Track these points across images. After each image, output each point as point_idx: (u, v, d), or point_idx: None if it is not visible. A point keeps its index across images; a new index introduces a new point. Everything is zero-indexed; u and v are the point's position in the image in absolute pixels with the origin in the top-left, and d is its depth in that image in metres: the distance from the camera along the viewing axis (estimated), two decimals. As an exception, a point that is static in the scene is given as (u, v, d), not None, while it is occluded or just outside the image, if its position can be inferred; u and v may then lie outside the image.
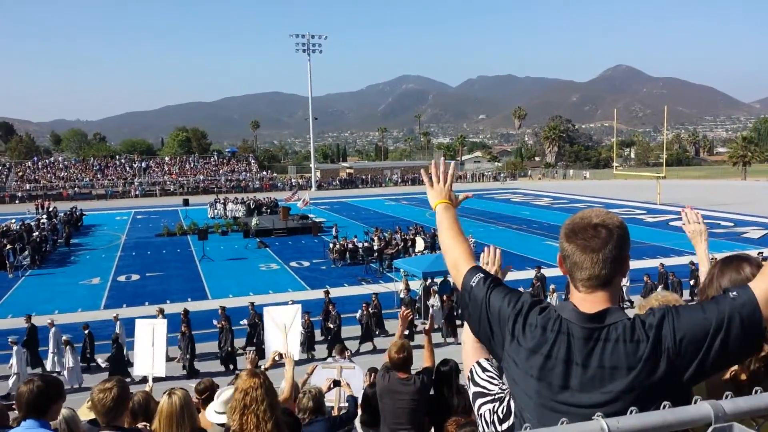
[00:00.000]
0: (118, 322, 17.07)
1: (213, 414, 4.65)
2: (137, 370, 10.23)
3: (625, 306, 20.22)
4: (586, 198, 58.37)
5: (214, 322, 17.80)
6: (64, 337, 16.14)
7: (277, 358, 6.81)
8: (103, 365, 16.67)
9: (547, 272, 22.53)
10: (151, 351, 10.29)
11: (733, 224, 39.16)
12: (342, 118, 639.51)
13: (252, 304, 18.89)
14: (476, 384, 2.29)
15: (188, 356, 16.50)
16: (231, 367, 16.62)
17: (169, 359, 15.94)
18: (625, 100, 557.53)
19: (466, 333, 2.49)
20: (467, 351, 2.47)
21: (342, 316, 18.62)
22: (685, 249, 28.86)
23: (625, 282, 19.25)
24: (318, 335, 18.34)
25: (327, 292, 20.13)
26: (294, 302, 17.30)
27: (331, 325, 17.96)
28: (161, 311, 17.50)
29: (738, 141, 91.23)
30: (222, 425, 4.50)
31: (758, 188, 66.47)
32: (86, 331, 17.26)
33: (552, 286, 20.18)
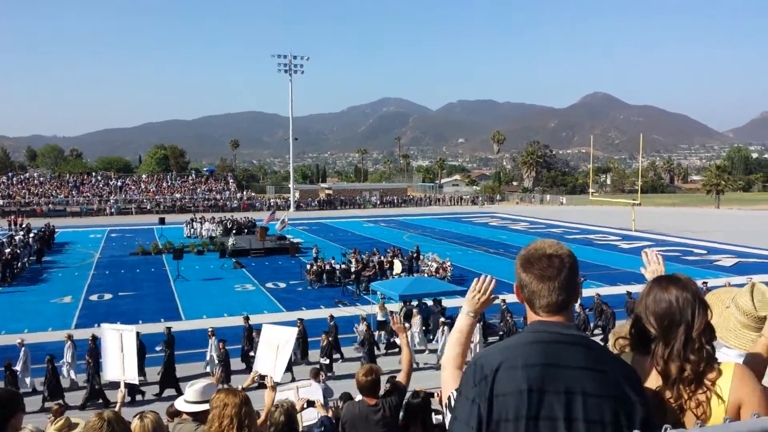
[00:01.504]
0: (23, 348, 16.28)
1: (182, 403, 4.59)
2: (108, 375, 9.97)
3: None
4: (562, 223, 58.90)
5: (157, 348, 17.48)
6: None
7: (257, 378, 6.72)
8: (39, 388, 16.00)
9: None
10: (120, 356, 10.06)
11: (706, 252, 39.66)
12: (322, 139, 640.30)
13: (168, 329, 18.06)
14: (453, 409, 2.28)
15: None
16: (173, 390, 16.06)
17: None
18: (602, 126, 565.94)
19: (446, 358, 2.56)
20: (446, 377, 2.50)
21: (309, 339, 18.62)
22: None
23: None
24: (235, 364, 17.68)
25: (246, 318, 19.37)
26: (302, 321, 17.44)
27: (252, 354, 17.18)
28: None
29: (712, 169, 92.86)
30: (192, 414, 4.46)
31: (731, 216, 67.64)
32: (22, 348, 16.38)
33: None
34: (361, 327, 19.06)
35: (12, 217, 57.03)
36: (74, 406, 15.13)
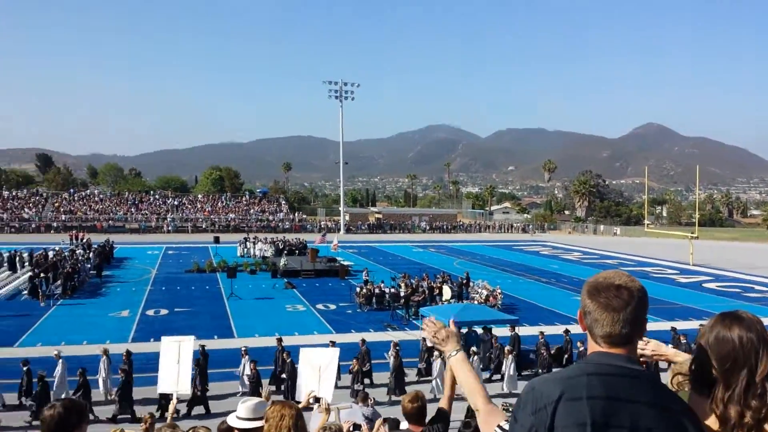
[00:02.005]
0: (60, 360, 16.52)
1: (235, 420, 4.64)
2: (161, 387, 10.20)
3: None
4: (617, 254, 57.68)
5: None
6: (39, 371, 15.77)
7: (311, 401, 6.81)
8: (27, 404, 15.94)
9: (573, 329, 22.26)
10: (176, 368, 10.28)
11: (767, 289, 38.18)
12: (372, 164, 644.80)
13: (245, 349, 18.59)
14: None
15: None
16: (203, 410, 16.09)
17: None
18: (656, 157, 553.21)
19: (471, 399, 2.55)
20: (484, 415, 2.47)
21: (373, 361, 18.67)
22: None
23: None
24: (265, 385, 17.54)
25: (279, 340, 19.31)
26: (333, 344, 17.40)
27: (284, 376, 17.30)
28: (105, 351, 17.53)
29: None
30: (243, 430, 4.51)
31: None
32: (25, 368, 16.40)
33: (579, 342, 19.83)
34: (391, 352, 18.90)
35: (73, 232, 59.18)
36: (104, 420, 15.44)
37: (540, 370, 19.19)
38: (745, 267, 48.21)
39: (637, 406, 1.82)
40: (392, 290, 30.82)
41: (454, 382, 5.82)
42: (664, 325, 24.94)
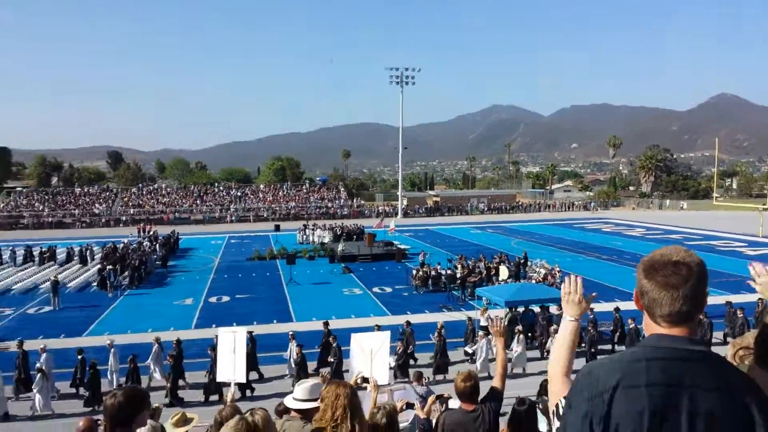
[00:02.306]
0: (44, 354, 16.22)
1: (291, 401, 4.75)
2: (220, 377, 10.83)
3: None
4: (682, 229, 55.82)
5: (208, 350, 16.84)
6: (37, 365, 15.90)
7: (359, 381, 6.96)
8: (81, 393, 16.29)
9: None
10: (232, 358, 10.76)
11: None
12: (431, 148, 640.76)
13: (292, 333, 18.78)
14: (561, 419, 2.15)
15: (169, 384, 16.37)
16: (217, 397, 15.76)
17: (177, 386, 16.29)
18: (728, 129, 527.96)
19: (553, 366, 2.45)
20: (556, 385, 2.41)
21: (417, 342, 18.78)
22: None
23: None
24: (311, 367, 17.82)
25: (326, 324, 19.29)
26: (380, 328, 17.58)
27: (332, 359, 17.33)
28: (157, 339, 17.96)
29: None
30: (300, 411, 4.61)
31: None
32: (79, 357, 16.83)
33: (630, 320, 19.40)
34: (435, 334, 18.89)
35: (141, 224, 61.50)
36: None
37: (585, 347, 18.93)
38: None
39: (698, 390, 1.77)
40: (448, 272, 30.79)
41: (505, 363, 5.80)
42: (737, 298, 23.93)
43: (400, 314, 24.93)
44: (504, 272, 31.37)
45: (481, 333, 18.90)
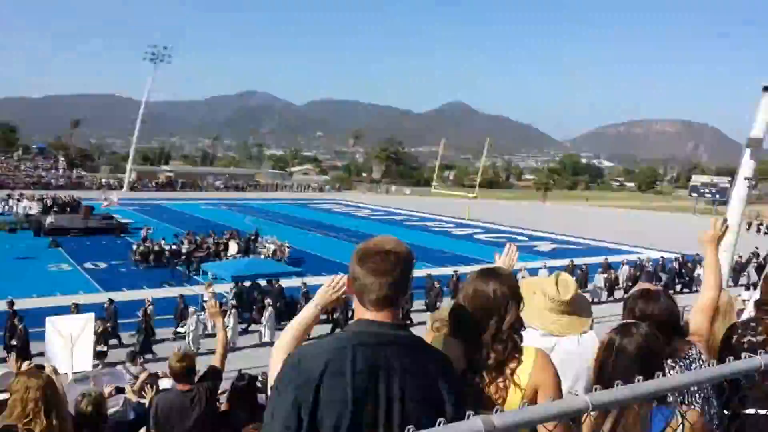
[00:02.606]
0: None
1: None
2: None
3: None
4: (403, 211, 61.13)
5: None
6: None
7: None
8: None
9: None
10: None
11: (527, 238, 42.89)
12: (179, 125, 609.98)
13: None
14: (268, 404, 2.12)
15: None
16: None
17: None
18: (456, 132, 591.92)
19: (280, 342, 2.43)
20: (276, 362, 2.30)
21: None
22: (485, 258, 30.83)
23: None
24: None
25: (11, 303, 17.08)
26: (78, 308, 15.87)
27: (15, 342, 15.42)
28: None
29: (544, 171, 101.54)
30: None
31: (553, 210, 74.09)
32: None
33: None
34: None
35: None
36: None
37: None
38: (512, 221, 53.42)
39: (395, 374, 1.84)
40: (173, 247, 29.52)
41: (225, 341, 5.48)
42: (444, 271, 26.61)
43: (115, 290, 23.11)
44: (233, 248, 31.20)
45: (192, 309, 18.30)
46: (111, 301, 18.41)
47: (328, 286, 2.58)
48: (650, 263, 29.63)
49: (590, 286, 25.46)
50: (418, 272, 25.25)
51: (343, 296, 2.60)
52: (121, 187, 72.38)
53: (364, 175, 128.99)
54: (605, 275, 26.22)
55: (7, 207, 45.15)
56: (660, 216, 68.56)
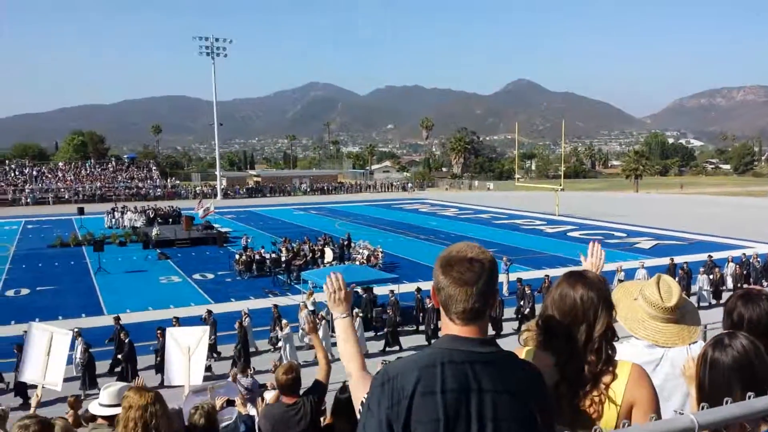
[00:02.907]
0: None
1: (97, 407, 4.48)
2: (26, 375, 9.21)
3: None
4: (489, 208, 60.05)
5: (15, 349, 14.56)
6: None
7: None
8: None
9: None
10: (45, 359, 9.44)
11: (626, 235, 41.03)
12: (249, 125, 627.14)
13: (77, 330, 16.55)
14: (360, 421, 2.20)
15: None
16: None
17: None
18: (527, 113, 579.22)
19: (346, 364, 2.49)
20: (355, 381, 2.46)
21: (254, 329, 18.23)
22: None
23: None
24: (101, 367, 16.31)
25: (117, 319, 17.75)
26: (203, 322, 16.60)
27: (120, 357, 16.09)
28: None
29: (630, 155, 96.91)
30: (106, 417, 4.34)
31: (649, 200, 70.52)
32: None
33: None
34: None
35: None
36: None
37: (387, 329, 19.54)
38: (606, 215, 51.82)
39: (484, 394, 1.81)
40: (273, 255, 30.32)
41: (325, 357, 5.72)
42: (538, 274, 26.11)
43: (223, 301, 24.15)
44: (329, 254, 31.62)
45: (285, 321, 18.61)
46: (209, 312, 18.79)
47: (329, 296, 2.68)
48: (759, 259, 26.47)
49: (694, 288, 23.30)
50: (522, 274, 24.97)
51: (348, 291, 2.72)
52: (215, 195, 75.10)
53: (443, 169, 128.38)
54: (710, 276, 23.62)
55: (114, 220, 47.62)
56: (764, 202, 64.32)
